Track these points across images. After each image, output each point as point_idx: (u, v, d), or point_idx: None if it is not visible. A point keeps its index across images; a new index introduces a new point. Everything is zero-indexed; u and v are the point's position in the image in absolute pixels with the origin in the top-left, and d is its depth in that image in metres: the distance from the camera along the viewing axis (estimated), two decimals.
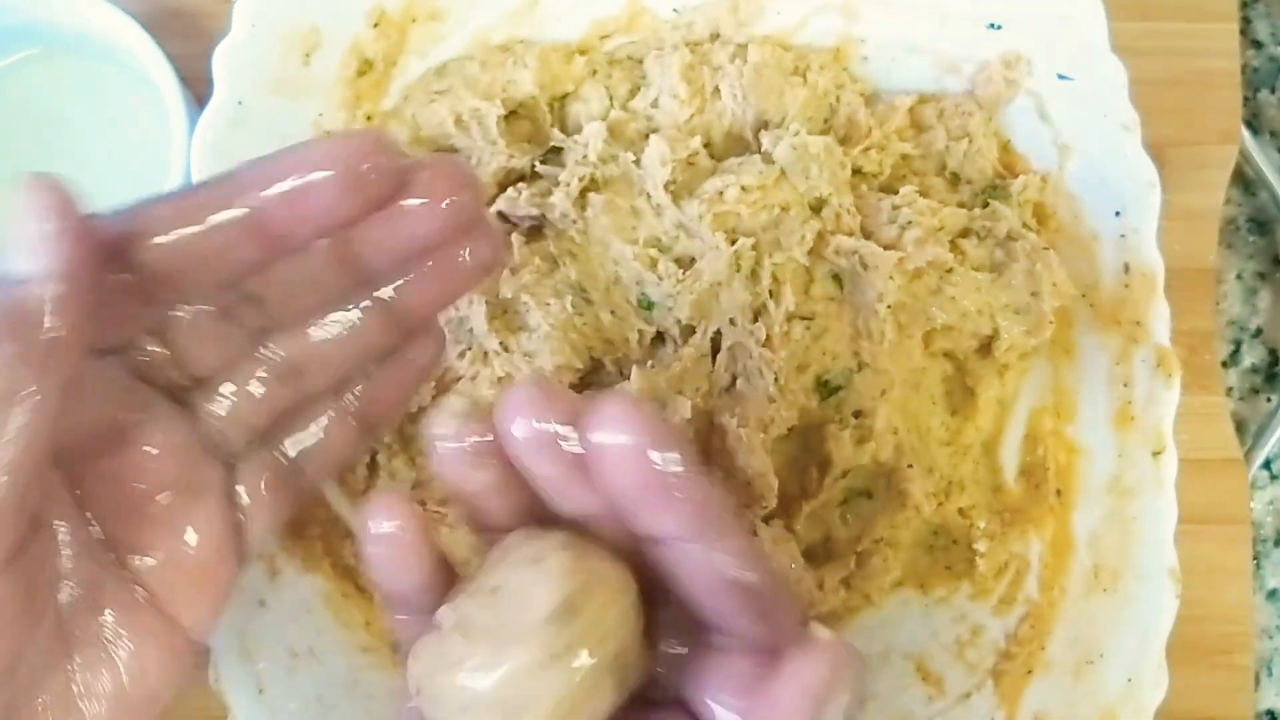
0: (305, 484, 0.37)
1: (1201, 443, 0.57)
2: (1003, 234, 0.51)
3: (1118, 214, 0.49)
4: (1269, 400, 0.60)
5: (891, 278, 0.49)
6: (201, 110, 0.48)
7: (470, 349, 0.50)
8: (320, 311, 0.36)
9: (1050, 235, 0.52)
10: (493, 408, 0.29)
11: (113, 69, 0.56)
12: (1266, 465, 0.60)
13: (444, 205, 0.33)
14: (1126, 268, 0.49)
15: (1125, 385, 0.49)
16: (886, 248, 0.49)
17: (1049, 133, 0.51)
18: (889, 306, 0.49)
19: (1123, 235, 0.49)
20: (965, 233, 0.51)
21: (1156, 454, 0.48)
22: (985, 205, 0.51)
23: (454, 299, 0.38)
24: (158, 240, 0.32)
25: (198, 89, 0.52)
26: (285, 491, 0.36)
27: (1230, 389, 0.60)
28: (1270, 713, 0.59)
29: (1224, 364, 0.60)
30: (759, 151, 0.51)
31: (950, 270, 0.50)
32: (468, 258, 0.36)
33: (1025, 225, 0.51)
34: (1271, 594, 0.60)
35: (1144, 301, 0.49)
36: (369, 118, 0.52)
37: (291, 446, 0.36)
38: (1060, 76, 0.50)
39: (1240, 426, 0.59)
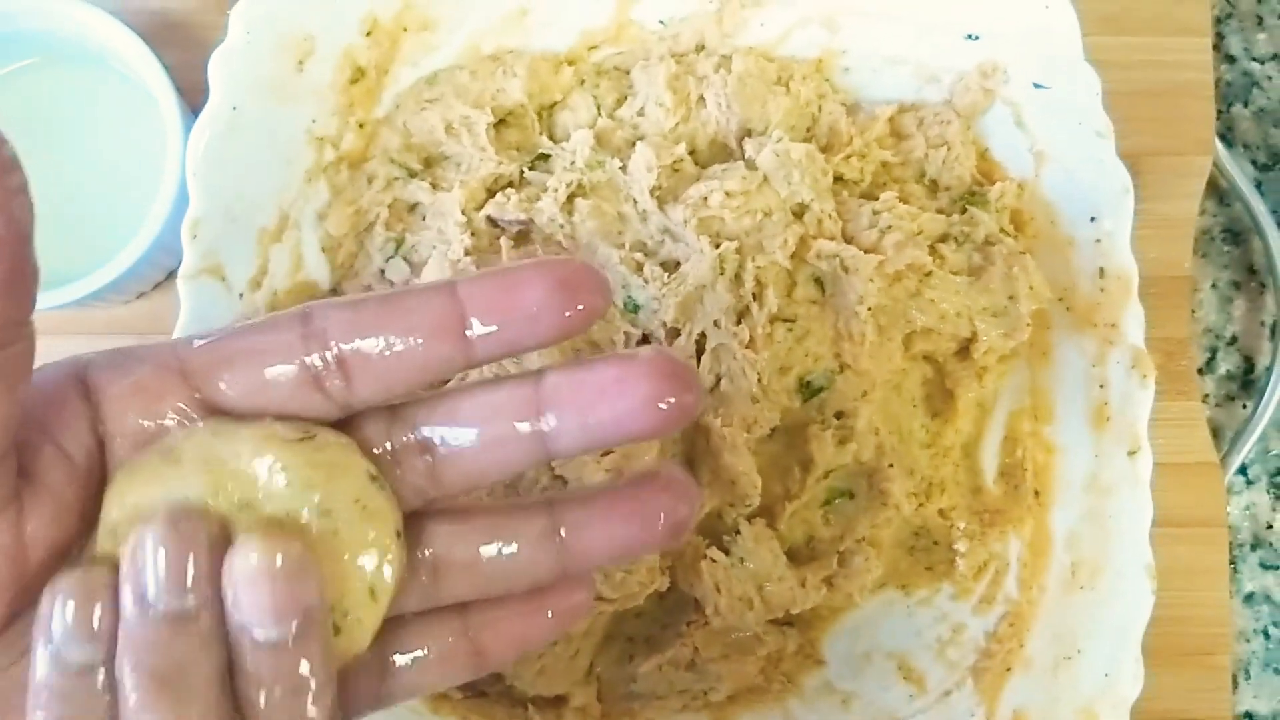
0: (388, 694, 0.32)
1: (1178, 447, 0.58)
2: (980, 239, 0.52)
3: (1093, 219, 0.51)
4: (1244, 407, 0.62)
5: (872, 280, 0.50)
6: (196, 118, 0.49)
7: None
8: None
9: (1027, 240, 0.53)
10: None
11: (110, 78, 0.57)
12: (1242, 471, 0.61)
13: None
14: (1102, 272, 0.50)
15: (1101, 386, 0.50)
16: (867, 251, 0.50)
17: (1025, 140, 0.53)
18: (869, 309, 0.50)
19: (1098, 240, 0.50)
20: (944, 238, 0.52)
21: (1132, 453, 0.49)
22: (963, 211, 0.53)
23: (631, 555, 0.32)
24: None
25: (193, 99, 0.53)
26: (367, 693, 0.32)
27: (1206, 396, 0.61)
28: (1249, 714, 0.60)
29: (1200, 371, 0.62)
30: (743, 158, 0.52)
31: (929, 274, 0.51)
32: (662, 517, 0.31)
33: (1003, 230, 0.52)
34: (1248, 598, 0.61)
35: (1119, 304, 0.50)
36: (361, 125, 0.53)
37: (399, 657, 0.32)
38: (1036, 85, 0.51)
39: (1216, 433, 0.60)
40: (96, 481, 0.29)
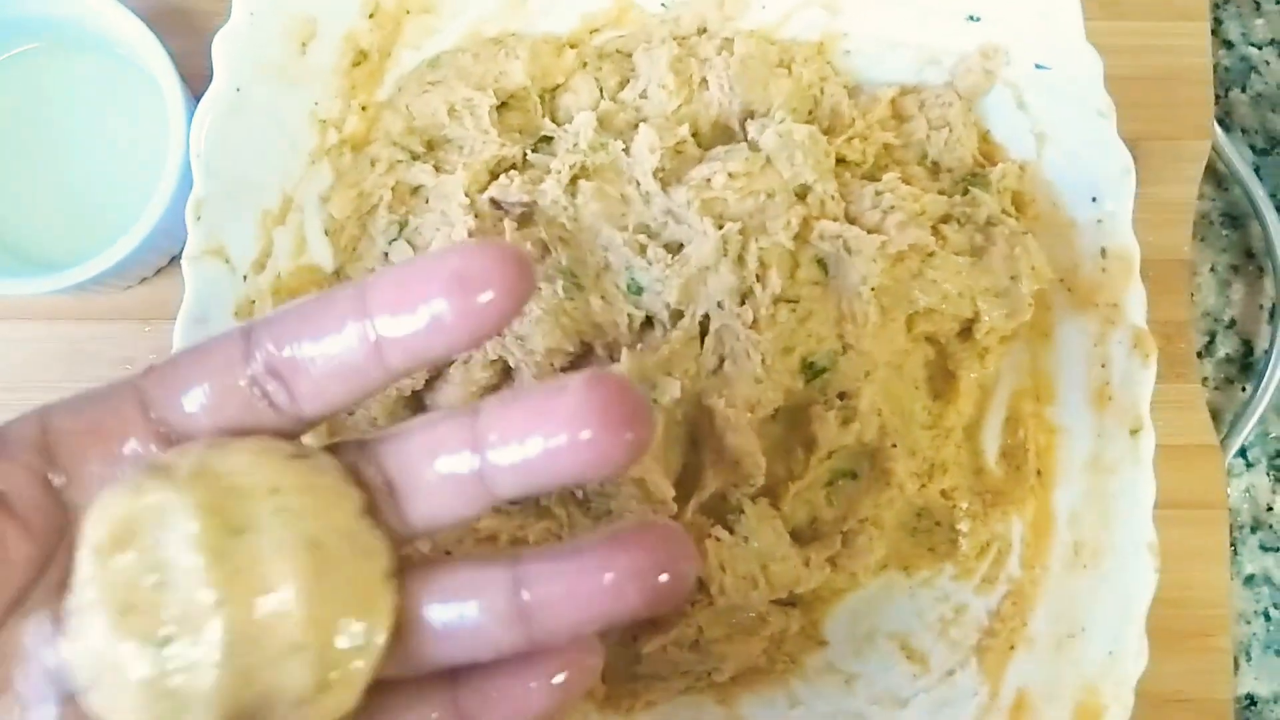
0: None
1: (1178, 429, 0.58)
2: (982, 220, 0.52)
3: (1094, 200, 0.51)
4: (1243, 390, 0.62)
5: (874, 261, 0.50)
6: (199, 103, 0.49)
7: None
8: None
9: (1029, 221, 0.53)
10: None
11: (112, 63, 0.57)
12: (1242, 453, 0.61)
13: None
14: (1103, 252, 0.50)
15: (1103, 366, 0.50)
16: (870, 232, 0.50)
17: (1027, 121, 0.53)
18: (872, 289, 0.50)
19: (1099, 220, 0.51)
20: (946, 218, 0.52)
21: (1134, 432, 0.49)
22: (965, 193, 0.53)
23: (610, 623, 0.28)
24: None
25: (196, 85, 0.53)
26: None
27: (1206, 379, 0.62)
28: (1250, 696, 0.60)
29: (1199, 355, 0.62)
30: (745, 140, 0.52)
31: (931, 254, 0.51)
32: (661, 581, 0.27)
33: (1004, 211, 0.52)
34: (1249, 580, 0.61)
35: (1120, 284, 0.50)
36: (364, 107, 0.53)
37: None
38: (1037, 66, 0.52)
39: (1216, 416, 0.60)
40: (51, 530, 0.28)
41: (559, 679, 0.29)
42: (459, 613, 0.28)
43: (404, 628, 0.28)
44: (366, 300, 0.27)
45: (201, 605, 0.25)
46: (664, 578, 0.27)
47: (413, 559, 0.29)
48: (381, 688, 0.28)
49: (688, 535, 0.28)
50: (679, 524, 0.30)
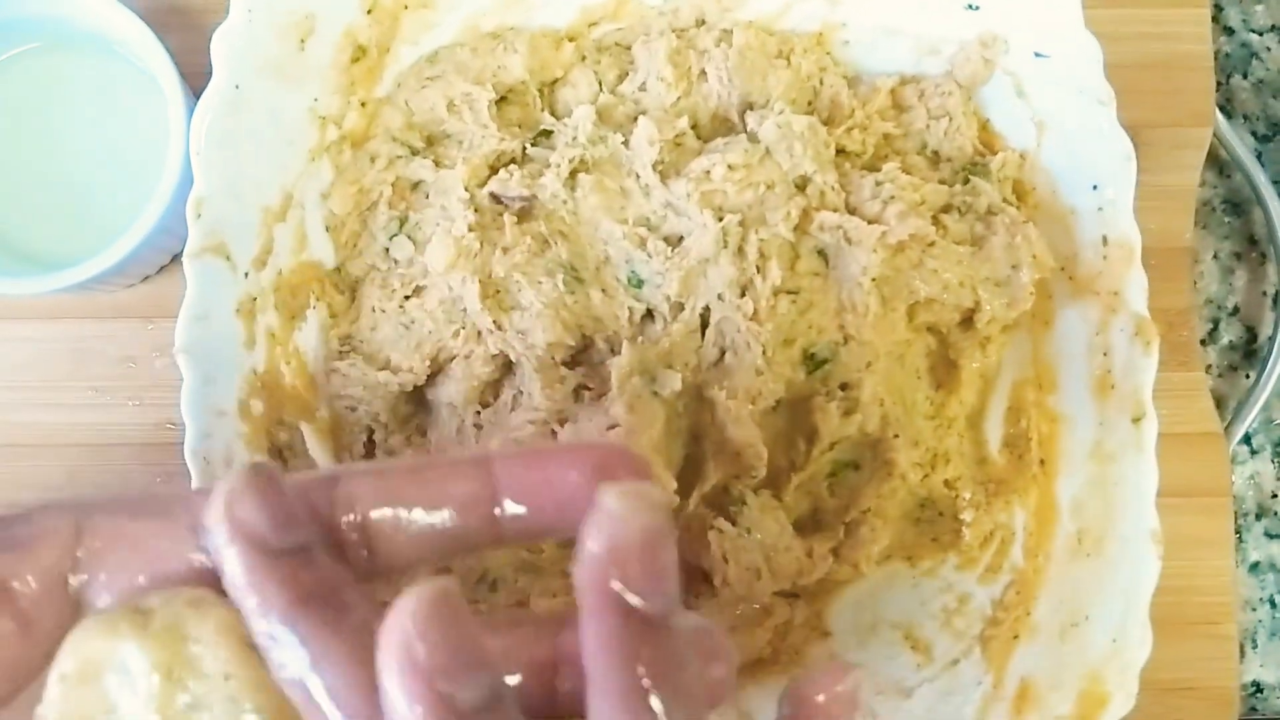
0: None
1: (1182, 417, 0.58)
2: (983, 209, 0.52)
3: (1095, 188, 0.51)
4: (1247, 377, 0.62)
5: (875, 251, 0.50)
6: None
7: (464, 328, 0.51)
8: None
9: (1029, 210, 0.53)
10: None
11: (113, 63, 0.57)
12: (1246, 440, 0.61)
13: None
14: (1104, 240, 0.50)
15: (1105, 354, 0.50)
16: (870, 223, 0.50)
17: (1026, 110, 0.53)
18: (873, 280, 0.50)
19: (1100, 208, 0.50)
20: (946, 208, 0.52)
21: (1136, 420, 0.49)
22: (966, 182, 0.53)
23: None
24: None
25: (196, 83, 0.53)
26: None
27: (1209, 367, 0.62)
28: (1256, 683, 0.60)
29: (1202, 342, 0.62)
30: (744, 132, 0.52)
31: (932, 244, 0.51)
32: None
33: (1005, 200, 0.52)
34: (1254, 567, 0.61)
35: (1122, 272, 0.50)
36: (363, 103, 0.53)
37: None
38: (1036, 55, 0.51)
39: (1220, 403, 0.60)
40: (59, 629, 0.28)
41: None
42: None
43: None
44: (494, 471, 0.27)
45: None
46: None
47: None
48: None
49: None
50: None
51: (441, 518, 0.27)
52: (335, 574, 0.27)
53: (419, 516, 0.27)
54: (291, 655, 0.25)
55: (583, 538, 0.25)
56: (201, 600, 0.27)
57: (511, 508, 0.27)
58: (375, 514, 0.27)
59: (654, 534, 0.25)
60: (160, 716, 0.26)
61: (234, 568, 0.26)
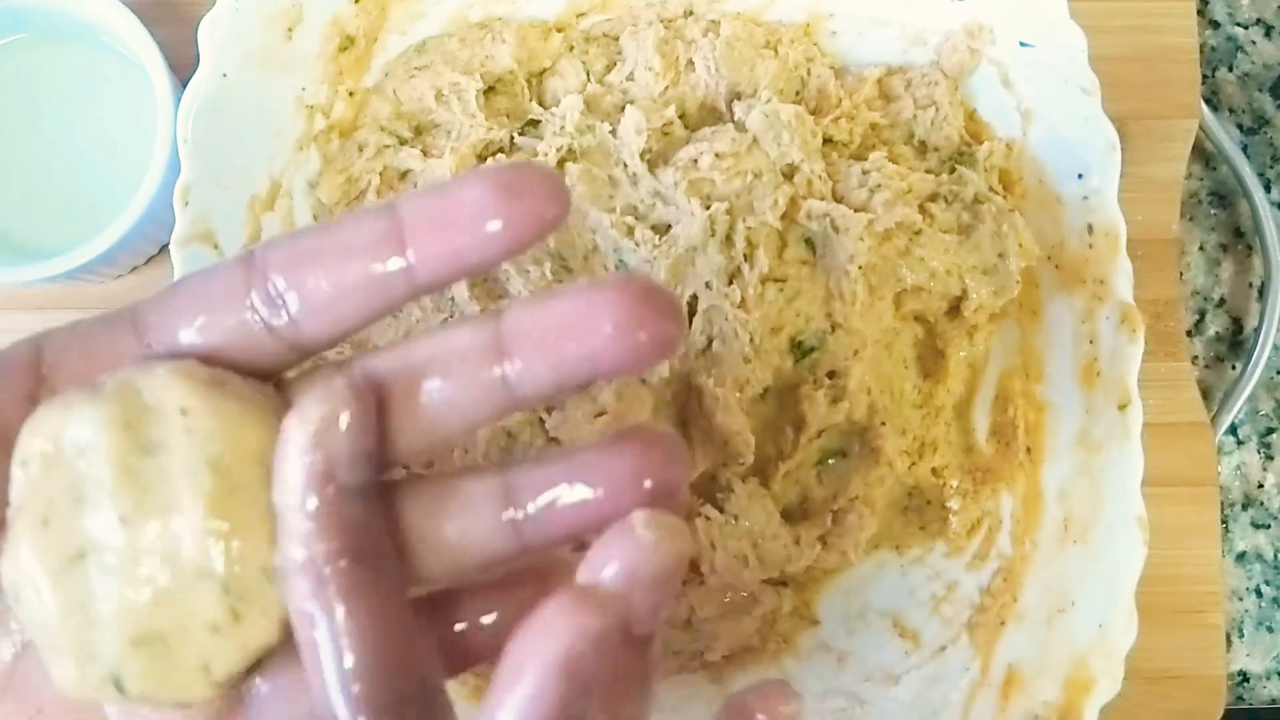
0: None
1: (1168, 407, 0.58)
2: (970, 198, 0.52)
3: (1080, 176, 0.51)
4: (1233, 368, 0.62)
5: (862, 239, 0.50)
6: None
7: (452, 316, 0.51)
8: None
9: (1016, 199, 0.53)
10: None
11: (100, 54, 0.57)
12: (1233, 430, 0.61)
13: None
14: (1090, 228, 0.51)
15: (1091, 342, 0.51)
16: (857, 210, 0.50)
17: (1012, 100, 0.53)
18: (860, 268, 0.50)
19: (1085, 197, 0.51)
20: (933, 197, 0.52)
21: (1122, 407, 0.49)
22: (952, 171, 0.53)
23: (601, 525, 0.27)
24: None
25: (183, 73, 0.53)
26: None
27: (1196, 358, 0.62)
28: (1243, 673, 0.60)
29: (1189, 333, 0.62)
30: (732, 121, 0.53)
31: (919, 232, 0.51)
32: (647, 482, 0.26)
33: (991, 190, 0.52)
34: (1240, 557, 0.61)
35: (1107, 260, 0.50)
36: (351, 93, 0.53)
37: None
38: (1022, 44, 0.52)
39: (1206, 394, 0.61)
40: None
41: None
42: (445, 525, 0.27)
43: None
44: (398, 214, 0.26)
45: (109, 522, 0.25)
46: (648, 484, 0.26)
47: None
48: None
49: (679, 438, 0.27)
50: (672, 430, 0.30)
51: (352, 267, 0.26)
52: (377, 522, 0.26)
53: (329, 270, 0.26)
54: (324, 609, 0.25)
55: (604, 551, 0.25)
56: (147, 361, 0.27)
57: (420, 242, 0.26)
58: (287, 277, 0.27)
59: (674, 572, 0.25)
60: (123, 471, 0.25)
61: (301, 500, 0.25)
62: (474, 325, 0.27)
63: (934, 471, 0.54)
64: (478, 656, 0.29)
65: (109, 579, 0.25)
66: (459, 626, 0.29)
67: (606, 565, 0.25)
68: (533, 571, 0.29)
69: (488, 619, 0.29)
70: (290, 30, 0.51)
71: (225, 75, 0.49)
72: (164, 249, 0.57)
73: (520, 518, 0.27)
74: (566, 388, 0.26)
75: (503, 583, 0.29)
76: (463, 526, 0.27)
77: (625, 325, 0.25)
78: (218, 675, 0.25)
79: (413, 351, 0.27)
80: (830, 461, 0.53)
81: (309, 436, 0.25)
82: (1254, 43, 0.64)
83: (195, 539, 0.25)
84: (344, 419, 0.25)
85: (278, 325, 0.27)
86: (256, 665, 0.26)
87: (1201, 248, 0.63)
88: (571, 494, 0.27)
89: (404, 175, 0.53)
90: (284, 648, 0.26)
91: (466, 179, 0.26)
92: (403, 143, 0.53)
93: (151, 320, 0.28)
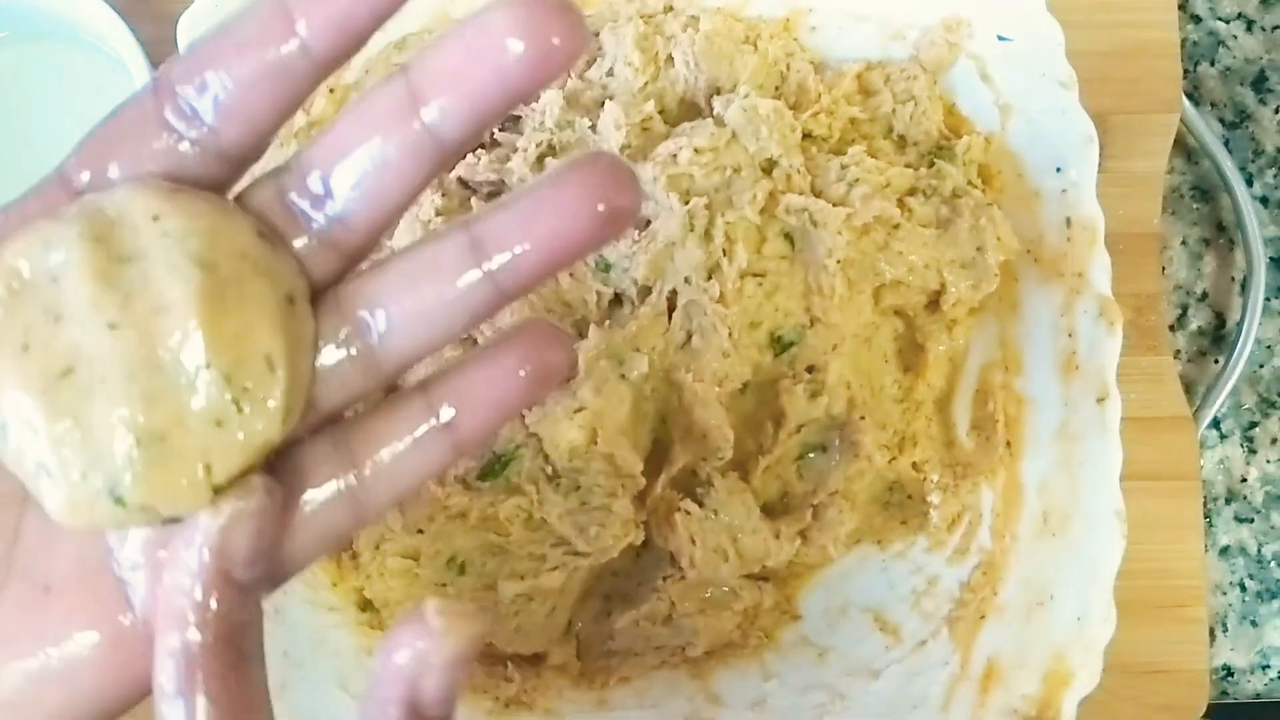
0: (367, 500, 0.29)
1: (1150, 401, 0.58)
2: (948, 192, 0.52)
3: (1058, 170, 0.51)
4: (1216, 362, 0.62)
5: (840, 233, 0.50)
6: None
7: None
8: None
9: (995, 193, 0.53)
10: None
11: (83, 53, 0.57)
12: (1215, 425, 0.61)
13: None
14: (1068, 221, 0.51)
15: (1069, 336, 0.51)
16: (836, 205, 0.50)
17: (990, 94, 0.53)
18: (839, 262, 0.50)
19: (1063, 190, 0.51)
20: (912, 191, 0.52)
21: (1101, 400, 0.49)
22: (931, 165, 0.53)
23: (575, 254, 0.27)
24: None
25: None
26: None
27: (1178, 352, 0.62)
28: (1226, 667, 0.60)
29: (1171, 328, 0.62)
30: (711, 116, 0.53)
31: (897, 226, 0.51)
32: (600, 206, 0.26)
33: (970, 184, 0.53)
34: (1223, 551, 0.61)
35: (1086, 254, 0.50)
36: (331, 90, 0.53)
37: (370, 456, 0.29)
38: (1000, 38, 0.52)
39: (1189, 388, 0.61)
40: None
41: (536, 365, 0.28)
42: (424, 290, 0.27)
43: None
44: (286, 2, 0.25)
45: (96, 331, 0.25)
46: (601, 207, 0.26)
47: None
48: (359, 416, 0.29)
49: (626, 165, 0.27)
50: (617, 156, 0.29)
51: (251, 62, 0.26)
52: (251, 613, 0.27)
53: (230, 69, 0.26)
54: (188, 694, 0.25)
55: (396, 638, 0.25)
56: (106, 189, 0.26)
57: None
58: (188, 85, 0.26)
59: (462, 662, 0.25)
60: (101, 281, 0.25)
61: (189, 585, 0.25)
62: (387, 85, 0.26)
63: (914, 466, 0.54)
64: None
65: (102, 388, 0.25)
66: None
67: (397, 651, 0.25)
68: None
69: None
70: None
71: None
72: None
73: (495, 268, 0.27)
74: (488, 118, 0.26)
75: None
76: (440, 290, 0.27)
77: (531, 37, 0.24)
78: (219, 477, 0.25)
79: (336, 130, 0.27)
80: (810, 456, 0.53)
81: (217, 530, 0.25)
82: (1235, 37, 0.64)
83: (192, 334, 0.25)
84: (251, 521, 0.26)
85: (198, 137, 0.27)
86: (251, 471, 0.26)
87: (1184, 242, 0.63)
88: (536, 230, 0.26)
89: None
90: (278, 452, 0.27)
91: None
92: None
93: (78, 169, 0.27)
